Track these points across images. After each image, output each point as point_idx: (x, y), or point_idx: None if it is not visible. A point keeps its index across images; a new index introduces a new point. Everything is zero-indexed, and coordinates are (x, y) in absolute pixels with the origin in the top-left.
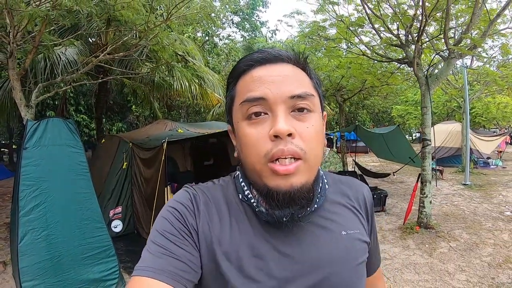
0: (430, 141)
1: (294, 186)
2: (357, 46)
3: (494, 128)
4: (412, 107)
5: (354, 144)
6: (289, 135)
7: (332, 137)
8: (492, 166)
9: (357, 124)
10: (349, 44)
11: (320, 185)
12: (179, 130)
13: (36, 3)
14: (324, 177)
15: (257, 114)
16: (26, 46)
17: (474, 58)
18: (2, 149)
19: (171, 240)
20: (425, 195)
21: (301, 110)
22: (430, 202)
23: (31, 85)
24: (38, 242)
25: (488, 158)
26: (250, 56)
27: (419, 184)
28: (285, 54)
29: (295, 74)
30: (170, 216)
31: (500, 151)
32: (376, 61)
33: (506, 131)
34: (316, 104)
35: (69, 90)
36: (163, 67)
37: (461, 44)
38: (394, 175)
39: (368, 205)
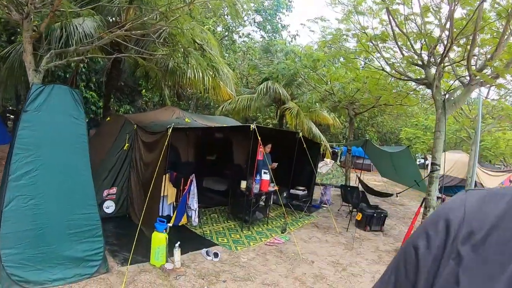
0: (439, 166)
1: None
2: (378, 60)
3: (499, 164)
4: (421, 132)
5: (358, 161)
6: None
7: (337, 150)
8: None
9: (367, 139)
10: (368, 58)
11: None
12: (186, 120)
13: None
14: None
15: None
16: (44, 11)
17: (491, 90)
18: (8, 115)
19: None
20: None
21: None
22: None
23: (44, 51)
24: (24, 209)
25: None
26: None
27: (422, 208)
28: None
29: None
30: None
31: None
32: (393, 79)
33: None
34: None
35: (81, 65)
36: (179, 52)
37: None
38: (397, 196)
39: None
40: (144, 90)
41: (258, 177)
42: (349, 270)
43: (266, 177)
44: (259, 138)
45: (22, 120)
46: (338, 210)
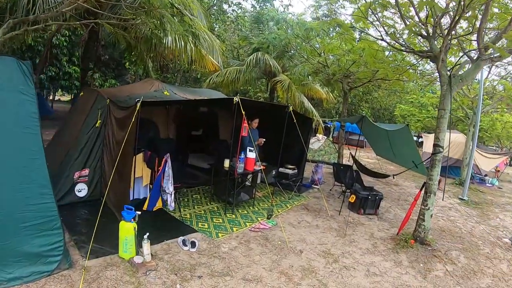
0: (443, 148)
1: None
2: (378, 29)
3: (492, 146)
4: (417, 109)
5: (351, 137)
6: None
7: (330, 125)
8: (488, 184)
9: (363, 115)
10: (365, 30)
11: None
12: (165, 92)
13: None
14: None
15: None
16: None
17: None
18: None
19: None
20: (427, 207)
21: None
22: (431, 216)
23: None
24: None
25: (485, 175)
26: None
27: (422, 193)
28: None
29: None
30: None
31: (498, 171)
32: (392, 52)
33: (507, 151)
34: None
35: (62, 39)
36: (152, 17)
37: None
38: (394, 178)
39: None
40: (127, 63)
41: (242, 156)
42: (341, 262)
43: (251, 155)
44: (243, 113)
45: None
46: (330, 190)
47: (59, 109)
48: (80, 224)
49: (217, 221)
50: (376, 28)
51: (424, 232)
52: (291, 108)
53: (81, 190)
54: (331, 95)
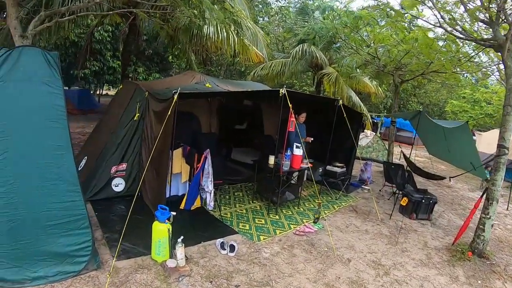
0: (508, 150)
1: None
2: (435, 14)
3: None
4: (469, 105)
5: (399, 133)
6: None
7: (377, 121)
8: None
9: (420, 110)
10: (417, 17)
11: None
12: (207, 85)
13: None
14: None
15: None
16: None
17: None
18: None
19: None
20: (488, 216)
21: None
22: (492, 226)
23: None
24: None
25: None
26: None
27: (482, 200)
28: None
29: None
30: None
31: None
32: (447, 41)
33: None
34: None
35: (105, 34)
36: (189, 5)
37: None
38: (450, 180)
39: None
40: (170, 57)
41: (288, 152)
42: (392, 275)
43: (298, 152)
44: (291, 106)
45: None
46: (380, 190)
47: (105, 103)
48: (115, 221)
49: (259, 222)
50: (436, 13)
51: (483, 244)
52: (341, 102)
53: (118, 184)
54: (380, 89)
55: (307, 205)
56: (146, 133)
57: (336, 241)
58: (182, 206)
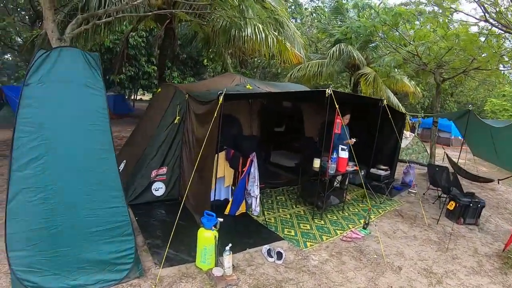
0: None
1: None
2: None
3: None
4: (510, 104)
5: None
6: None
7: (414, 122)
8: None
9: (469, 109)
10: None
11: None
12: (247, 86)
13: None
14: None
15: None
16: None
17: None
18: None
19: None
20: None
21: None
22: None
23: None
24: (32, 205)
25: None
26: None
27: None
28: None
29: None
30: None
31: None
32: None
33: None
34: None
35: (139, 40)
36: (229, 4)
37: None
38: (498, 183)
39: None
40: (205, 60)
41: (334, 155)
42: (445, 284)
43: (344, 154)
44: (337, 106)
45: (23, 96)
46: (424, 194)
47: (140, 107)
48: (156, 226)
49: (305, 228)
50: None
51: None
52: (385, 102)
53: (158, 189)
54: (418, 88)
55: (351, 210)
56: (187, 136)
57: (385, 247)
58: (227, 211)
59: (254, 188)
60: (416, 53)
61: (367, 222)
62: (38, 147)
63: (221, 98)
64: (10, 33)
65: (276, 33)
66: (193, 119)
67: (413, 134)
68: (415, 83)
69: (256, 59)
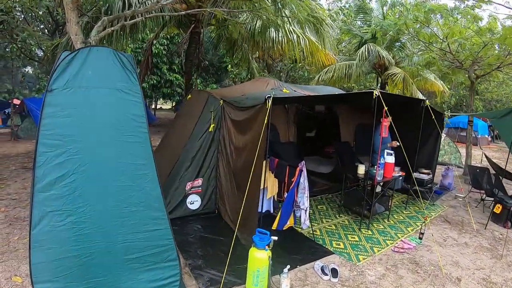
0: None
1: None
2: None
3: None
4: None
5: (461, 133)
6: None
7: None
8: None
9: None
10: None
11: None
12: (284, 90)
13: None
14: None
15: None
16: None
17: None
18: None
19: None
20: None
21: None
22: None
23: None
24: (60, 230)
25: None
26: None
27: None
28: None
29: None
30: None
31: None
32: None
33: None
34: None
35: (161, 48)
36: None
37: None
38: None
39: None
40: (229, 66)
41: (381, 160)
42: None
43: (390, 159)
44: (386, 108)
45: (46, 103)
46: (464, 197)
47: (161, 116)
48: (194, 244)
49: (353, 239)
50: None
51: None
52: (427, 103)
53: (194, 202)
54: (446, 87)
55: (395, 217)
56: (223, 145)
57: (439, 257)
58: (274, 226)
59: (304, 200)
60: (449, 51)
61: (423, 232)
62: (65, 163)
63: (269, 103)
64: (30, 45)
65: (307, 34)
66: (231, 126)
67: (445, 135)
68: (443, 82)
69: (281, 62)
